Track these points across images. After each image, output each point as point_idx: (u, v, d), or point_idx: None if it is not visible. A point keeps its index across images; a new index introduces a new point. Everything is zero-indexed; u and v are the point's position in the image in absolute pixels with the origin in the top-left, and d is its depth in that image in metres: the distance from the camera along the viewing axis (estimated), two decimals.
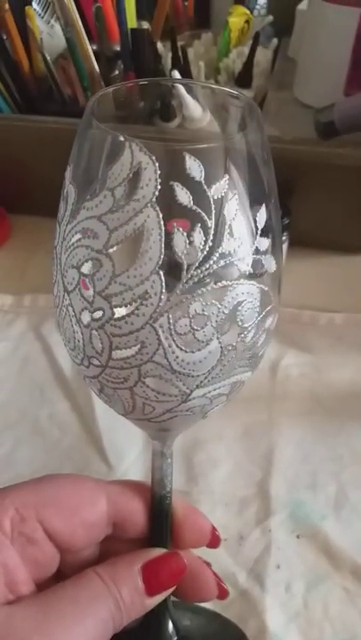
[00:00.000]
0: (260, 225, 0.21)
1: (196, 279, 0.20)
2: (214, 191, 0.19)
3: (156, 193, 0.19)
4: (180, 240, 0.19)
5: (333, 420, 0.49)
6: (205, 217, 0.19)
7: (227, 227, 0.20)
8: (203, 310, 0.20)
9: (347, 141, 0.54)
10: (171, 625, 0.31)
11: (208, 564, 0.33)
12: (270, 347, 0.53)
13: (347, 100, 0.57)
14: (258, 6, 0.74)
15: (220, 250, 0.20)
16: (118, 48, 0.61)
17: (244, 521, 0.43)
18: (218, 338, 0.21)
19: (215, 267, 0.20)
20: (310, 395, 0.51)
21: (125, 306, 0.20)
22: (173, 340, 0.21)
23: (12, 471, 0.46)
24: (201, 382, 0.22)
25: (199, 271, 0.20)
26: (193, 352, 0.21)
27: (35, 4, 0.60)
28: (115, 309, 0.20)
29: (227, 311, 0.21)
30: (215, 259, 0.20)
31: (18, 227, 0.67)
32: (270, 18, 0.72)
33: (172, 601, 0.32)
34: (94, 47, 0.60)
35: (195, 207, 0.19)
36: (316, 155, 0.53)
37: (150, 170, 0.19)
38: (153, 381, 0.22)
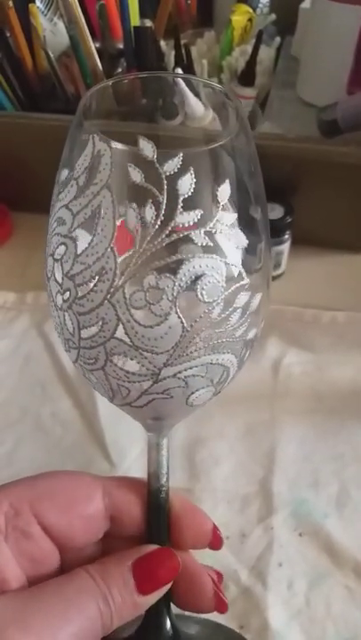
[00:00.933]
0: (222, 200, 0.21)
1: (148, 253, 0.20)
2: (167, 167, 0.20)
3: (111, 175, 0.20)
4: (131, 216, 0.20)
5: (335, 418, 0.49)
6: (157, 192, 0.20)
7: (180, 201, 0.20)
8: (157, 283, 0.21)
9: (350, 140, 0.54)
10: (171, 632, 0.29)
11: (219, 576, 0.31)
12: (272, 345, 0.54)
13: (350, 98, 0.57)
14: (261, 4, 0.74)
15: (171, 224, 0.20)
16: (121, 46, 0.61)
17: (247, 519, 0.43)
18: (176, 312, 0.21)
19: (167, 240, 0.20)
20: (312, 393, 0.51)
21: (86, 284, 0.21)
22: (131, 315, 0.21)
23: (14, 469, 0.46)
24: (168, 360, 0.22)
25: (151, 245, 0.20)
26: (152, 327, 0.21)
27: (38, 2, 0.60)
28: (78, 288, 0.21)
29: (183, 284, 0.21)
30: (167, 232, 0.20)
31: (20, 224, 0.67)
32: (273, 16, 0.72)
33: (174, 613, 0.30)
34: (97, 45, 0.60)
35: (146, 184, 0.20)
36: (319, 153, 0.53)
37: (107, 155, 0.20)
38: (120, 360, 0.23)
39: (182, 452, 0.47)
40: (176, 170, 0.20)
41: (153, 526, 0.28)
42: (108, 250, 0.21)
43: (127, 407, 0.26)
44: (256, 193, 0.24)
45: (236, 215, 0.22)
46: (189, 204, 0.20)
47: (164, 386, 0.23)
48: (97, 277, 0.21)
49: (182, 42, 0.63)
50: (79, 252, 0.21)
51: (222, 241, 0.21)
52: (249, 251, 0.22)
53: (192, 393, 0.24)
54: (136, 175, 0.20)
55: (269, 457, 0.47)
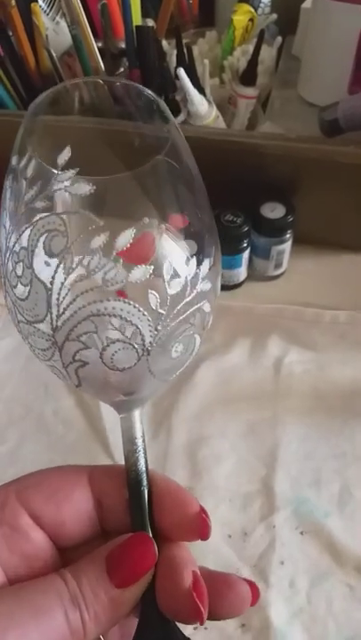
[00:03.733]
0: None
1: (25, 214, 0.22)
2: (22, 163, 0.23)
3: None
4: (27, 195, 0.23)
5: (337, 417, 0.49)
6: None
7: (25, 183, 0.23)
8: (28, 239, 0.22)
9: (351, 139, 0.54)
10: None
11: (253, 586, 0.26)
12: (274, 343, 0.54)
13: (351, 97, 0.57)
14: (262, 4, 0.74)
15: (48, 190, 0.22)
16: (123, 45, 0.61)
17: (248, 517, 0.44)
18: (36, 277, 0.23)
19: (36, 203, 0.22)
20: (314, 392, 0.51)
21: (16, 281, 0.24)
22: (16, 296, 0.24)
23: (17, 467, 0.46)
24: (52, 327, 0.23)
25: (31, 204, 0.22)
26: (26, 298, 0.23)
27: (40, 1, 0.60)
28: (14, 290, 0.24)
29: (33, 247, 0.22)
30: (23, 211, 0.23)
31: None
32: (274, 16, 0.72)
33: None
34: (99, 44, 0.60)
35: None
36: (321, 152, 0.53)
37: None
38: (32, 340, 0.24)
39: (184, 450, 0.47)
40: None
41: (134, 510, 0.26)
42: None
43: (90, 382, 0.26)
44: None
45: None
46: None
47: (69, 352, 0.24)
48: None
49: (184, 41, 0.63)
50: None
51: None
52: None
53: (102, 353, 0.24)
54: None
55: (271, 455, 0.47)
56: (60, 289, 0.22)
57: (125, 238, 0.22)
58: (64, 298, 0.23)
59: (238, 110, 0.65)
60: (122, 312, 0.23)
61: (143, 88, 0.26)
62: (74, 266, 0.22)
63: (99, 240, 0.22)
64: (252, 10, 0.68)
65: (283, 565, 0.41)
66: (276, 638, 0.38)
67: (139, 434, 0.28)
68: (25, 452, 0.47)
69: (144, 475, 0.27)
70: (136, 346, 0.24)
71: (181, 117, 0.59)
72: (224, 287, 0.60)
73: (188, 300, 0.24)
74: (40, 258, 0.22)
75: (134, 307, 0.23)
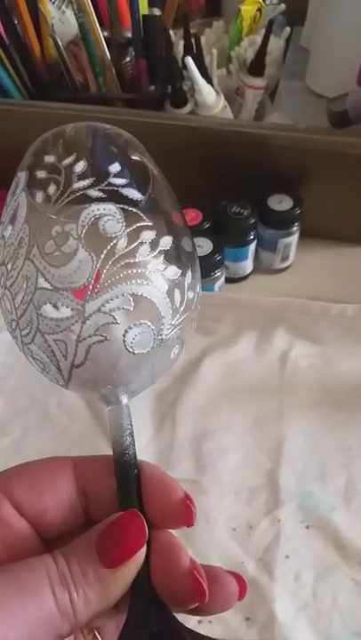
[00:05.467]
0: (114, 170, 0.26)
1: (52, 213, 0.25)
2: (66, 161, 0.26)
3: (25, 182, 0.26)
4: (39, 197, 0.25)
5: (343, 411, 0.49)
6: (57, 177, 0.26)
7: (75, 176, 0.25)
8: (62, 229, 0.25)
9: (360, 131, 0.54)
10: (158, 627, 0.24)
11: (239, 579, 0.25)
12: (280, 337, 0.54)
13: (360, 89, 0.57)
14: None
15: (68, 190, 0.25)
16: (130, 35, 0.61)
17: (254, 510, 0.43)
18: (83, 247, 0.25)
19: (67, 200, 0.25)
20: (320, 386, 0.51)
21: (10, 256, 0.26)
22: (46, 262, 0.24)
23: (21, 458, 0.45)
24: (88, 294, 0.25)
25: (54, 207, 0.25)
26: (65, 265, 0.24)
27: None
28: (6, 263, 0.25)
29: (85, 224, 0.25)
30: (66, 195, 0.25)
31: None
32: (283, 6, 0.71)
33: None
34: (105, 34, 0.60)
35: (49, 175, 0.26)
36: (329, 144, 0.53)
37: (21, 174, 0.27)
38: (48, 309, 0.25)
39: (190, 443, 0.47)
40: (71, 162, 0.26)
41: (122, 496, 0.26)
42: (25, 223, 0.25)
43: (79, 373, 0.26)
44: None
45: (125, 179, 0.26)
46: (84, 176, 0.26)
47: (94, 325, 0.25)
48: (18, 247, 0.25)
49: (191, 31, 0.62)
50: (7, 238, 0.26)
51: (115, 196, 0.26)
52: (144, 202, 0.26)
53: (126, 332, 0.25)
54: (41, 173, 0.26)
55: (277, 449, 0.46)
56: (104, 266, 0.25)
57: (166, 241, 0.26)
58: (110, 270, 0.25)
59: (246, 101, 0.64)
60: (156, 299, 0.26)
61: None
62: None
63: (148, 235, 0.26)
64: (260, 0, 0.67)
65: (288, 559, 0.41)
66: (281, 632, 0.38)
67: (127, 421, 0.28)
68: (29, 444, 0.47)
69: (133, 460, 0.26)
70: (155, 334, 0.26)
71: (188, 107, 0.59)
72: (230, 280, 0.59)
73: (194, 305, 0.28)
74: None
75: (165, 298, 0.26)
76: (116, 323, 0.25)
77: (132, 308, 0.25)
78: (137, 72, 0.61)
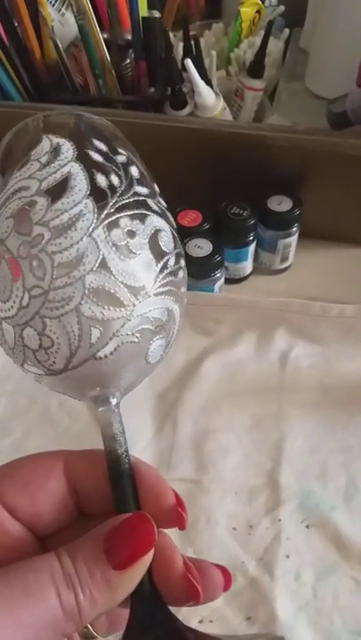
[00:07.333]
0: (158, 190, 0.29)
1: (118, 205, 0.25)
2: (119, 159, 0.27)
3: (75, 155, 0.26)
4: (101, 180, 0.26)
5: (343, 411, 0.49)
6: (116, 170, 0.27)
7: (134, 179, 0.27)
8: (131, 225, 0.25)
9: (359, 132, 0.54)
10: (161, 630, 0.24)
11: (203, 566, 0.25)
12: (280, 337, 0.54)
13: (360, 90, 0.57)
14: None
15: (132, 190, 0.26)
16: (129, 37, 0.61)
17: (254, 510, 0.43)
18: (148, 249, 0.26)
19: (132, 199, 0.26)
20: (320, 386, 0.51)
21: (63, 224, 0.25)
22: (111, 246, 0.25)
23: None
24: (142, 296, 0.25)
25: (121, 198, 0.26)
26: (129, 259, 0.25)
27: None
28: (54, 229, 0.24)
29: (148, 231, 0.26)
30: (131, 194, 0.26)
31: None
32: (282, 8, 0.71)
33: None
34: (105, 35, 0.60)
35: (107, 163, 0.26)
36: (329, 145, 0.53)
37: (67, 145, 0.26)
38: (98, 293, 0.24)
39: (190, 443, 0.47)
40: (125, 160, 0.27)
41: (118, 495, 0.26)
42: (85, 198, 0.25)
43: (90, 364, 0.25)
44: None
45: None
46: (139, 182, 0.27)
47: (135, 325, 0.25)
48: (75, 217, 0.24)
49: (190, 33, 0.62)
50: (52, 203, 0.25)
51: (145, 207, 0.27)
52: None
53: (153, 342, 0.26)
54: (98, 157, 0.26)
55: (277, 449, 0.47)
56: (157, 277, 0.26)
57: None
58: (161, 281, 0.26)
59: (245, 102, 0.65)
60: (177, 318, 0.28)
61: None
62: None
63: (183, 261, 0.28)
64: (260, 2, 0.68)
65: (288, 559, 0.41)
66: (281, 631, 0.38)
67: (117, 418, 0.27)
68: (30, 444, 0.47)
69: (126, 458, 0.26)
70: (164, 349, 0.28)
71: (188, 109, 0.59)
72: (230, 281, 0.60)
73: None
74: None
75: (181, 317, 0.28)
76: (153, 330, 0.26)
77: (164, 321, 0.27)
78: (137, 74, 0.61)
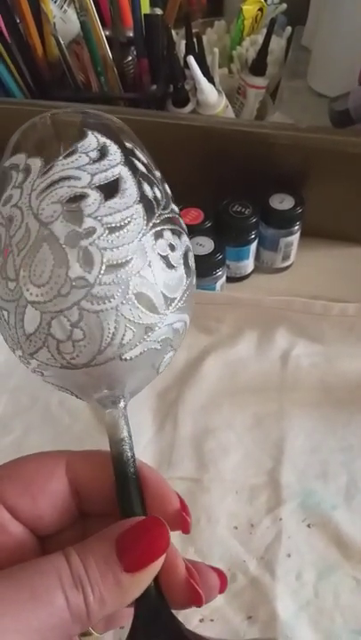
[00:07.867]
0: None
1: (163, 217, 0.27)
2: (157, 174, 0.28)
3: (123, 159, 0.26)
4: (147, 190, 0.27)
5: (344, 410, 0.49)
6: (157, 184, 0.28)
7: (170, 197, 0.29)
8: (172, 237, 0.27)
9: None
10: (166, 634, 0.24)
11: (221, 575, 0.26)
12: (281, 336, 0.54)
13: None
14: None
15: (170, 206, 0.28)
16: (131, 34, 0.61)
17: (255, 509, 0.43)
18: (183, 265, 0.27)
19: (171, 214, 0.27)
20: (321, 385, 0.51)
21: (116, 223, 0.25)
22: (156, 256, 0.26)
23: None
24: (173, 308, 0.26)
25: (164, 212, 0.27)
26: (170, 270, 0.26)
27: None
28: (106, 226, 0.25)
29: (183, 249, 0.27)
30: (170, 209, 0.28)
31: None
32: (284, 6, 0.71)
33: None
34: (107, 33, 0.60)
35: (150, 175, 0.27)
36: (331, 143, 0.53)
37: (114, 147, 0.27)
38: (139, 297, 0.25)
39: (191, 442, 0.47)
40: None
41: (124, 499, 0.25)
42: (136, 203, 0.25)
43: (113, 363, 0.25)
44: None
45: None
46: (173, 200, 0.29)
47: (162, 334, 0.26)
48: (128, 219, 0.25)
49: (193, 31, 0.62)
50: (105, 200, 0.25)
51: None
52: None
53: (168, 352, 0.28)
54: (142, 167, 0.27)
55: (278, 448, 0.46)
56: (184, 294, 0.27)
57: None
58: (186, 295, 0.28)
59: (247, 100, 0.64)
60: (184, 333, 0.29)
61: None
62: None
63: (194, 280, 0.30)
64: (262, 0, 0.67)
65: (289, 558, 0.41)
66: (282, 631, 0.38)
67: (125, 421, 0.27)
68: (31, 443, 0.47)
69: (134, 462, 0.26)
70: (170, 358, 0.29)
71: (190, 107, 0.59)
72: (231, 279, 0.59)
73: None
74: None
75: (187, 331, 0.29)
76: (172, 341, 0.27)
77: (180, 334, 0.28)
78: (139, 71, 0.61)
